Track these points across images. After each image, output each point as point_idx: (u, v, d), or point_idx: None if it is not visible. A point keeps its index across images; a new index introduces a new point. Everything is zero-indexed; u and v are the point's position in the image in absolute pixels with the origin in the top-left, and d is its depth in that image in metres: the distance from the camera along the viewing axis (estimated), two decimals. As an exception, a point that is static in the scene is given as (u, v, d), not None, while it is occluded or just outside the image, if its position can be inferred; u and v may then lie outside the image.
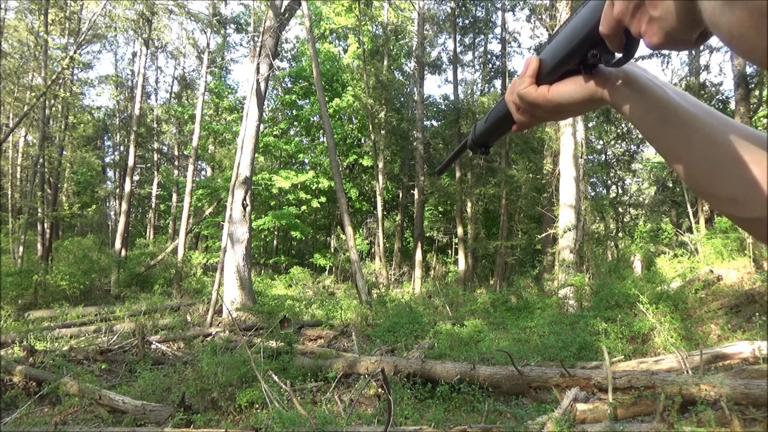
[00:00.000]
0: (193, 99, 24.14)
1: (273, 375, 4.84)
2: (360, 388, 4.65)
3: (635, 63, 0.51)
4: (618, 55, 0.47)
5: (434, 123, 22.46)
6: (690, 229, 12.65)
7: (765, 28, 0.30)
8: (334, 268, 18.24)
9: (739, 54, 0.34)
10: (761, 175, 0.41)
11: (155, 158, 25.02)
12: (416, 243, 16.86)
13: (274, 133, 20.69)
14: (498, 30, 20.71)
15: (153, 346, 7.00)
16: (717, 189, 0.45)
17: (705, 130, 0.45)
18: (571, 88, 0.52)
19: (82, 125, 22.02)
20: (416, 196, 17.48)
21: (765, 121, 14.80)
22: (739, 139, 0.43)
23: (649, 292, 6.88)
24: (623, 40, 0.44)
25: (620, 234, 18.92)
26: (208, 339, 7.37)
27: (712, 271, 7.51)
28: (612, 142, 22.01)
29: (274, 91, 22.39)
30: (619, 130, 20.99)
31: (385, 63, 18.78)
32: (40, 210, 15.27)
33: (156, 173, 24.06)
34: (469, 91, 22.98)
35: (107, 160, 27.81)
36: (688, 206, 14.90)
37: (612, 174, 22.68)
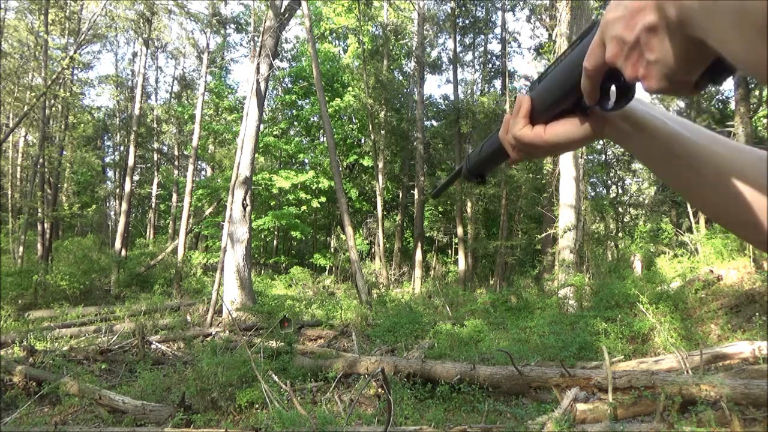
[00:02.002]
0: (193, 99, 24.13)
1: (273, 375, 4.84)
2: (360, 388, 4.65)
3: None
4: (613, 100, 0.46)
5: (434, 123, 22.46)
6: (690, 229, 12.65)
7: None
8: (334, 268, 18.24)
9: None
10: None
11: (155, 158, 25.01)
12: (416, 243, 16.86)
13: (274, 133, 20.68)
14: (498, 30, 20.74)
15: (153, 346, 7.00)
16: (730, 216, 0.44)
17: (713, 159, 0.44)
18: (569, 129, 0.51)
19: (82, 125, 22.01)
20: (416, 196, 17.48)
21: (765, 121, 14.81)
22: (748, 165, 0.43)
23: (649, 292, 6.88)
24: (607, 88, 0.43)
25: (620, 234, 18.92)
26: (208, 339, 7.36)
27: (712, 271, 7.51)
28: (612, 142, 21.99)
29: (274, 91, 22.40)
30: (619, 130, 20.96)
31: (385, 63, 18.77)
32: (40, 210, 15.27)
33: (156, 173, 24.06)
34: (469, 91, 22.97)
35: (107, 160, 27.82)
36: (688, 206, 14.89)
37: (612, 174, 22.69)
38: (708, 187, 0.45)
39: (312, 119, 20.82)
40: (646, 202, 22.95)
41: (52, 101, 15.60)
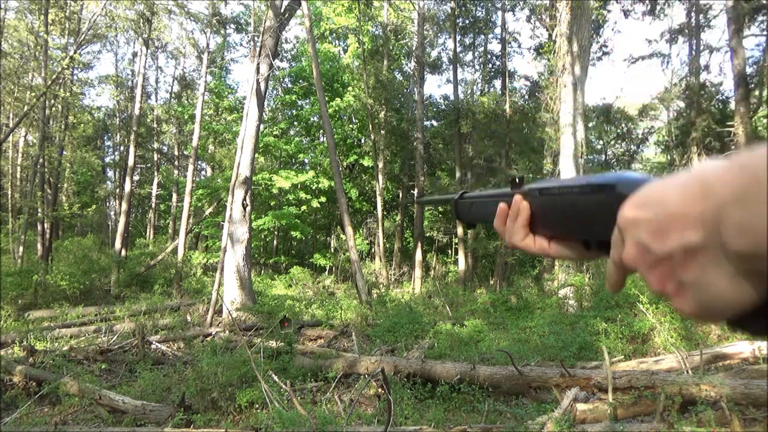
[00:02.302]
0: (193, 99, 24.13)
1: (273, 375, 4.84)
2: (360, 388, 4.65)
3: None
4: None
5: (434, 123, 22.46)
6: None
7: None
8: (334, 268, 18.24)
9: None
10: None
11: (155, 158, 25.01)
12: (416, 243, 16.85)
13: (274, 133, 20.67)
14: (498, 30, 20.73)
15: (153, 346, 6.99)
16: None
17: None
18: (573, 252, 0.47)
19: (82, 125, 22.00)
20: (416, 196, 17.47)
21: (765, 121, 14.80)
22: None
23: (649, 292, 6.88)
24: (624, 283, 0.38)
25: (620, 234, 18.88)
26: (208, 339, 7.36)
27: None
28: (612, 142, 22.03)
29: (274, 91, 22.39)
30: (619, 130, 21.01)
31: (385, 63, 18.77)
32: (40, 210, 15.27)
33: (156, 173, 24.06)
34: (469, 91, 22.97)
35: (107, 160, 27.81)
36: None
37: (612, 174, 22.65)
38: None
39: (312, 119, 20.81)
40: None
41: (52, 101, 15.60)
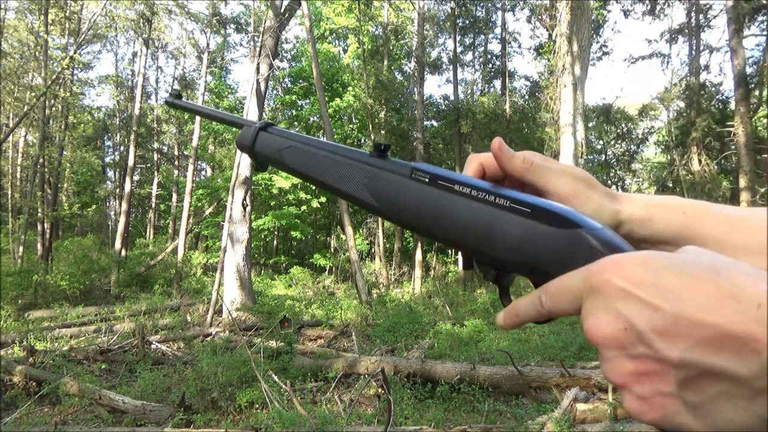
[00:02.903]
0: (193, 99, 24.10)
1: (273, 375, 4.84)
2: (360, 388, 4.65)
3: None
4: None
5: (434, 123, 22.47)
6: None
7: None
8: (334, 268, 18.24)
9: None
10: None
11: (155, 158, 25.02)
12: (416, 243, 16.86)
13: (274, 133, 20.64)
14: (498, 30, 20.74)
15: (153, 346, 6.99)
16: None
17: None
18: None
19: (82, 125, 22.00)
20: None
21: (765, 121, 14.81)
22: None
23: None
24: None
25: (620, 234, 18.88)
26: (208, 339, 7.36)
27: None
28: (612, 142, 22.03)
29: (274, 91, 22.40)
30: (619, 130, 21.01)
31: (385, 63, 18.78)
32: (40, 210, 15.27)
33: (156, 173, 24.07)
34: (469, 91, 22.98)
35: (107, 160, 27.81)
36: (688, 206, 14.88)
37: (612, 174, 22.69)
38: None
39: (312, 119, 20.82)
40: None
41: (52, 101, 15.60)
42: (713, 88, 16.90)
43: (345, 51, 21.75)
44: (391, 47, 19.40)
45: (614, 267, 0.27)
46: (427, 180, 0.40)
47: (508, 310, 0.35)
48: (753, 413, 0.22)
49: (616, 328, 0.26)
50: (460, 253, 0.40)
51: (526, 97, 20.27)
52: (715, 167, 14.77)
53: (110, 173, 28.76)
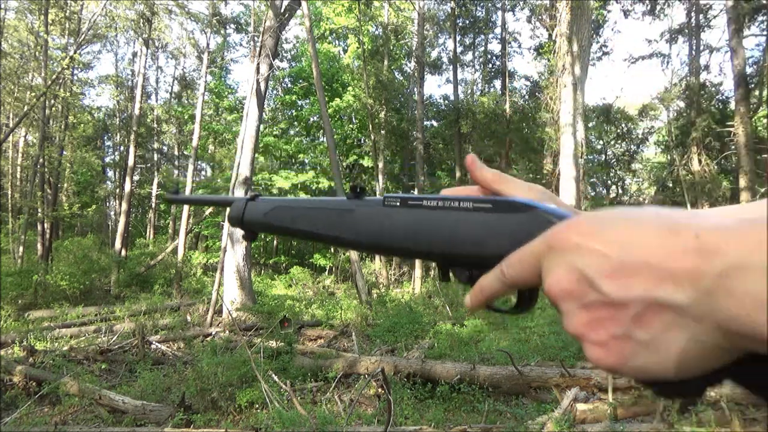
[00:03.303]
0: (193, 99, 24.14)
1: (273, 375, 4.84)
2: (360, 388, 4.65)
3: None
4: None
5: (434, 123, 22.48)
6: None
7: None
8: (334, 268, 18.24)
9: None
10: None
11: (155, 158, 25.02)
12: (416, 243, 16.84)
13: (274, 133, 20.68)
14: (498, 30, 20.75)
15: (153, 346, 6.99)
16: None
17: None
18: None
19: (82, 125, 22.01)
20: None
21: (765, 121, 14.80)
22: None
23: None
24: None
25: (620, 234, 18.87)
26: (208, 339, 7.36)
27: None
28: (612, 142, 22.02)
29: (274, 91, 22.40)
30: (619, 130, 21.02)
31: (385, 63, 18.77)
32: (40, 210, 15.27)
33: (156, 173, 24.07)
34: (469, 91, 22.99)
35: (107, 160, 27.81)
36: (688, 206, 14.91)
37: (612, 174, 22.70)
38: None
39: (312, 119, 20.82)
40: (646, 202, 22.96)
41: (52, 101, 15.60)
42: (713, 88, 16.90)
43: (345, 51, 21.74)
44: (391, 47, 19.40)
45: (571, 225, 0.29)
46: (398, 203, 0.43)
47: (473, 288, 0.36)
48: (698, 341, 0.24)
49: (570, 280, 0.27)
50: (435, 267, 0.42)
51: (526, 97, 20.27)
52: (715, 167, 14.77)
53: (110, 173, 28.77)
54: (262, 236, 20.17)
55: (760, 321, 0.20)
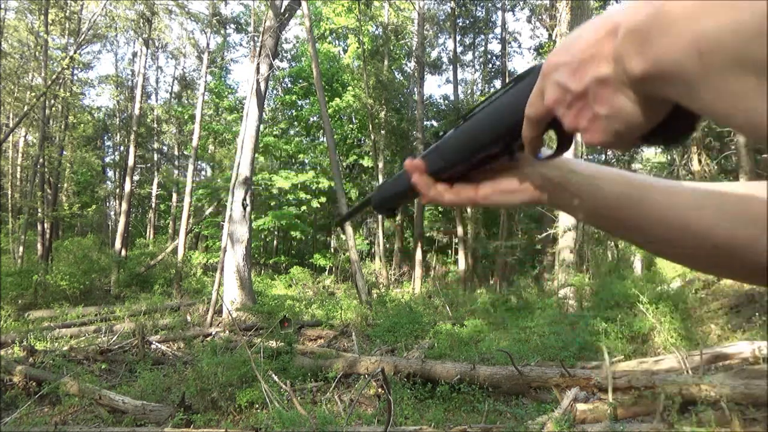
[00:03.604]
0: (193, 99, 24.13)
1: (273, 375, 4.84)
2: (360, 388, 4.65)
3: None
4: (547, 150, 0.45)
5: (434, 123, 22.46)
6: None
7: None
8: (334, 268, 18.24)
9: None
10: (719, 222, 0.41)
11: (155, 158, 25.01)
12: (416, 243, 16.85)
13: (274, 133, 20.68)
14: (498, 30, 20.75)
15: (153, 346, 6.99)
16: (683, 258, 0.45)
17: (653, 212, 0.44)
18: (504, 191, 0.49)
19: (82, 125, 22.00)
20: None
21: (765, 121, 14.80)
22: (685, 206, 0.42)
23: (649, 292, 6.88)
24: (543, 141, 0.42)
25: (620, 234, 18.88)
26: (208, 339, 7.36)
27: (712, 271, 7.49)
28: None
29: (274, 91, 22.40)
30: (619, 130, 21.01)
31: (385, 63, 18.78)
32: (40, 210, 15.26)
33: (156, 173, 24.07)
34: (469, 91, 22.99)
35: (107, 160, 27.80)
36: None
37: (612, 174, 22.69)
38: (653, 238, 0.45)
39: (312, 119, 20.82)
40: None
41: (52, 101, 15.59)
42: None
43: (345, 51, 21.74)
44: (391, 47, 19.40)
45: (551, 53, 0.36)
46: (464, 118, 0.49)
47: (524, 143, 0.43)
48: (633, 98, 0.31)
49: (555, 92, 0.35)
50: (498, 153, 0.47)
51: (526, 97, 20.27)
52: (715, 167, 14.77)
53: (110, 173, 28.77)
54: (262, 236, 20.12)
55: (649, 64, 0.27)
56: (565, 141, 0.43)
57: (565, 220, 9.87)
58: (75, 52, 13.46)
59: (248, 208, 9.71)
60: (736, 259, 0.41)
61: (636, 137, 0.34)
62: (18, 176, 19.88)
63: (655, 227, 0.44)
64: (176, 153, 26.00)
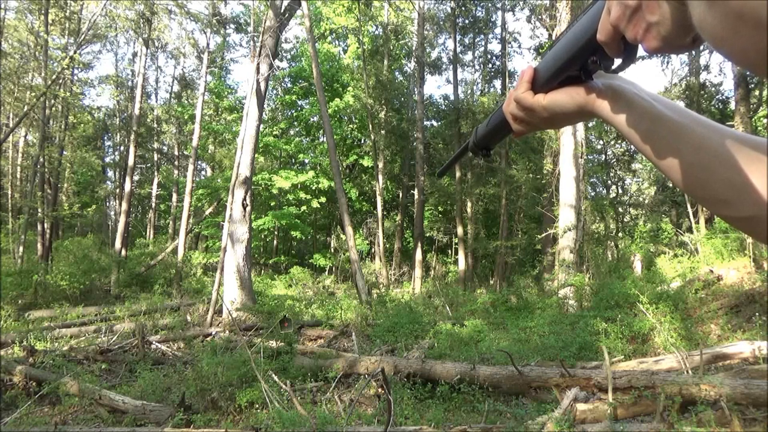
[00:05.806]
0: (193, 99, 24.14)
1: (273, 375, 4.84)
2: (360, 388, 4.65)
3: (624, 78, 0.55)
4: (618, 61, 0.49)
5: (434, 123, 22.47)
6: (690, 229, 12.65)
7: (741, 30, 0.31)
8: (334, 268, 18.24)
9: (726, 58, 0.35)
10: (751, 175, 0.43)
11: (155, 158, 25.01)
12: (416, 243, 16.86)
13: (274, 133, 20.68)
14: (498, 30, 20.74)
15: (153, 346, 7.00)
16: (709, 193, 0.47)
17: (693, 137, 0.47)
18: (564, 98, 0.55)
19: (82, 125, 22.00)
20: (416, 196, 17.49)
21: (765, 121, 14.80)
22: (727, 143, 0.45)
23: (649, 292, 6.88)
24: (621, 46, 0.46)
25: (620, 234, 18.93)
26: (208, 339, 7.37)
27: (712, 271, 7.51)
28: (612, 142, 22.00)
29: (274, 91, 22.39)
30: (619, 130, 20.99)
31: (385, 63, 18.78)
32: (40, 210, 15.26)
33: (156, 173, 24.06)
34: (469, 91, 22.97)
35: (107, 160, 27.81)
36: (688, 206, 14.90)
37: (612, 174, 22.68)
38: (687, 164, 0.48)
39: (312, 119, 20.81)
40: (646, 202, 22.97)
41: (52, 101, 15.60)
42: (713, 88, 16.89)
43: (345, 51, 21.74)
44: (391, 47, 19.40)
45: None
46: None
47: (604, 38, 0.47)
48: (674, 6, 0.37)
49: (620, 9, 0.41)
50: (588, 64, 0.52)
51: (526, 97, 20.23)
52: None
53: (110, 173, 28.78)
54: (262, 236, 20.10)
55: None
56: (630, 54, 0.48)
57: (565, 220, 9.88)
58: (75, 52, 13.46)
59: (248, 208, 9.71)
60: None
61: (684, 42, 0.39)
62: (18, 176, 19.89)
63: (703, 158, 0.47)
64: (176, 153, 26.00)
